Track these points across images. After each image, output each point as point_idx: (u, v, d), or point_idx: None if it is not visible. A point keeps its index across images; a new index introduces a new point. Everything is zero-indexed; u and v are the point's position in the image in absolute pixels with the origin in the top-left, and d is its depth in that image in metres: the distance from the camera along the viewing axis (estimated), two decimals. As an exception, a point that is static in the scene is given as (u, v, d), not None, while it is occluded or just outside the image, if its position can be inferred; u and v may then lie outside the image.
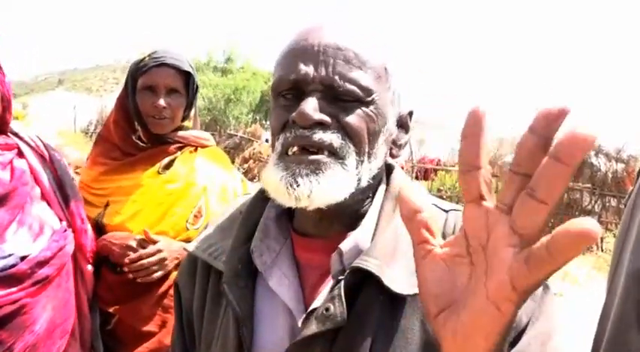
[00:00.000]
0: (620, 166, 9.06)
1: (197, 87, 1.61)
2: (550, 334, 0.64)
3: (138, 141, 1.57)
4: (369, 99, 0.69)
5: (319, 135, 0.67)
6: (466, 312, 0.41)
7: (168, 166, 1.56)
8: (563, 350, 0.65)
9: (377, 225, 0.73)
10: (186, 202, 1.52)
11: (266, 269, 0.75)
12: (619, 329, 0.79)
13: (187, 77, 1.56)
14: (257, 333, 0.73)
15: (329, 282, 0.72)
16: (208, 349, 0.79)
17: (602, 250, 8.59)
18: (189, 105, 1.60)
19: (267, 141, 15.99)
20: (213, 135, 1.81)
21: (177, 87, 1.53)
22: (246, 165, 14.00)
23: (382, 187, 0.78)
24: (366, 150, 0.70)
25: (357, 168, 0.69)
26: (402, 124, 0.79)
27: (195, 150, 1.64)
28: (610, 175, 9.07)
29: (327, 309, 0.65)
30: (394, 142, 0.78)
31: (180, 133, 1.61)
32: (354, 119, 0.68)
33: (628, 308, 0.78)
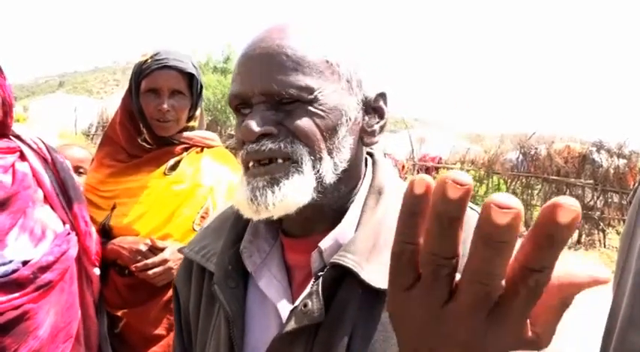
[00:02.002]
0: (622, 162, 9.02)
1: (201, 87, 1.58)
2: None
3: (144, 143, 1.55)
4: (311, 97, 0.68)
5: (268, 146, 0.68)
6: None
7: (174, 167, 1.55)
8: None
9: (360, 219, 0.73)
10: (193, 203, 1.50)
11: (256, 270, 0.76)
12: (628, 328, 0.77)
13: (191, 77, 1.54)
14: (248, 333, 0.74)
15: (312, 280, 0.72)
16: (203, 349, 0.80)
17: (604, 246, 8.56)
18: (194, 105, 1.58)
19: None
20: (214, 135, 1.80)
21: (181, 88, 1.51)
22: (247, 166, 13.97)
23: (366, 181, 0.77)
24: (322, 147, 0.69)
25: (314, 167, 0.69)
26: (374, 108, 0.76)
27: (201, 150, 1.62)
28: (612, 171, 9.03)
29: (305, 305, 0.66)
30: (364, 129, 0.75)
31: (186, 134, 1.59)
32: (299, 122, 0.68)
33: (637, 307, 0.76)
